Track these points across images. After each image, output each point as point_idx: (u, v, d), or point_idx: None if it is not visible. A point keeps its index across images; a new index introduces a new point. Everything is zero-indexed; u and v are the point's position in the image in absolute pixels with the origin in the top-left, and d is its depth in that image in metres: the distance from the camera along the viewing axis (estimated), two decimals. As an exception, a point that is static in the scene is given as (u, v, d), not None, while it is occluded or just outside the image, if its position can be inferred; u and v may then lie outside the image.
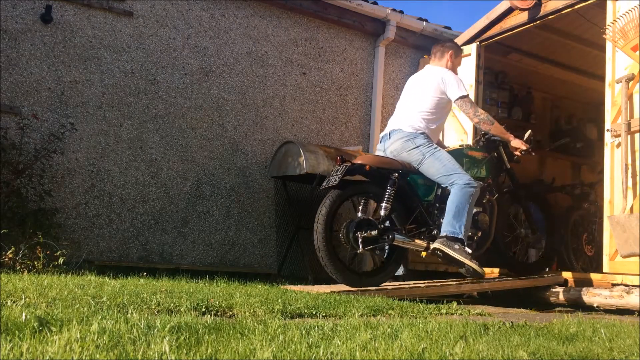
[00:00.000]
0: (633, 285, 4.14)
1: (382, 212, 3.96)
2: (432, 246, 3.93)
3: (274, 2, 5.84)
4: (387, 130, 4.33)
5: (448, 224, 3.98)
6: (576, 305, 4.42)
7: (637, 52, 4.30)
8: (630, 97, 4.34)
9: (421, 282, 5.00)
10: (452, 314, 3.25)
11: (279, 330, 1.99)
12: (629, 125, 4.28)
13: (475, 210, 4.22)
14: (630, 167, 4.25)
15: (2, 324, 1.64)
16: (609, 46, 4.63)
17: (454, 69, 4.47)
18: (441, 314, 3.19)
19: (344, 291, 3.80)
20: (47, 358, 1.40)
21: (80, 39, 5.00)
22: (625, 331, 2.58)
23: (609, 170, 4.44)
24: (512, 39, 6.19)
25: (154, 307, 2.40)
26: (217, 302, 2.61)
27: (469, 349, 1.87)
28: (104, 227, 5.05)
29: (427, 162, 4.10)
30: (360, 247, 3.85)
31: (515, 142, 4.37)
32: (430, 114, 4.23)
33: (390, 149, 4.23)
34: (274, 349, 1.66)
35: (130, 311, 2.23)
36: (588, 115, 8.24)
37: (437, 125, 4.33)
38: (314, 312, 2.71)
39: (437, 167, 4.08)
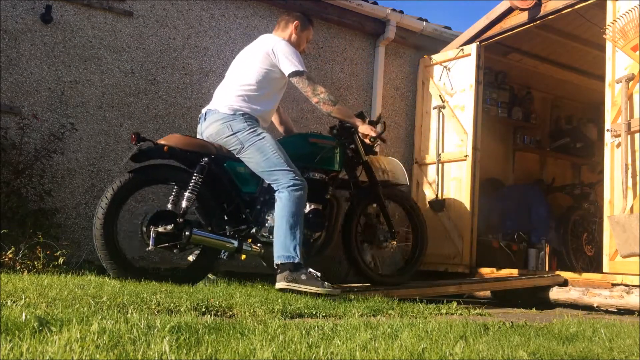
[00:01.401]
0: (633, 285, 4.14)
1: (184, 204, 3.45)
2: (277, 287, 3.34)
3: (274, 2, 5.84)
4: (204, 109, 3.74)
5: (282, 248, 3.35)
6: (576, 305, 4.42)
7: (637, 52, 4.30)
8: (630, 97, 4.34)
9: (421, 282, 5.00)
10: (452, 314, 3.25)
11: (279, 330, 1.99)
12: (629, 125, 4.28)
13: (313, 207, 3.74)
14: (630, 167, 4.25)
15: (2, 324, 1.64)
16: (609, 46, 4.63)
17: (298, 44, 3.86)
18: (441, 314, 3.19)
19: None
20: (47, 358, 1.40)
21: (80, 39, 5.00)
22: (625, 331, 2.58)
23: (609, 170, 4.44)
24: (512, 39, 6.19)
25: (154, 307, 2.40)
26: (217, 302, 2.61)
27: (469, 349, 1.87)
28: (104, 227, 5.03)
29: (247, 153, 3.53)
30: (151, 245, 3.33)
31: (364, 128, 3.81)
32: (254, 91, 3.61)
33: (205, 134, 3.67)
34: (274, 349, 1.66)
35: (130, 311, 2.23)
36: (588, 115, 8.25)
37: (265, 105, 3.68)
38: (314, 312, 2.71)
39: (257, 160, 3.51)
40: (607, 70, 4.64)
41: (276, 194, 3.47)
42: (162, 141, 3.51)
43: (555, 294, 4.63)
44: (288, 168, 3.48)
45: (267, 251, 3.61)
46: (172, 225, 3.39)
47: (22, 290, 2.46)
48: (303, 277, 3.29)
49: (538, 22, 5.62)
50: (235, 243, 3.55)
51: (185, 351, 1.57)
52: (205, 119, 3.66)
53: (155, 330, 1.79)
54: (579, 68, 7.31)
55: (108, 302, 2.36)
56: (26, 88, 4.78)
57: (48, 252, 3.87)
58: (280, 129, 4.29)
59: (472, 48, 5.99)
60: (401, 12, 6.40)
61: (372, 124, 3.95)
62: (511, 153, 7.84)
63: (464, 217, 5.76)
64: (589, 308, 4.35)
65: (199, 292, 3.01)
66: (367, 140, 3.91)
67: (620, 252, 4.07)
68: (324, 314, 2.71)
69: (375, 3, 6.31)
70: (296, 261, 3.33)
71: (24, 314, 1.80)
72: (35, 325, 1.67)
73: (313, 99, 3.64)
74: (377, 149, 4.22)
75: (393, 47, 6.52)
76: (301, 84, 3.60)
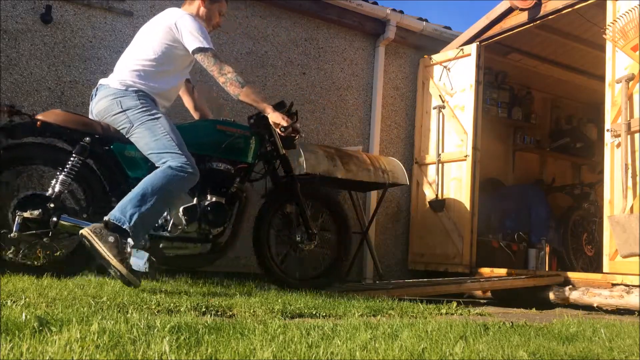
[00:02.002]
0: (633, 285, 4.14)
1: (57, 188, 3.15)
2: (80, 231, 2.94)
3: (274, 2, 5.84)
4: (97, 85, 3.41)
5: (119, 208, 2.99)
6: (576, 305, 4.42)
7: (637, 52, 4.30)
8: (630, 97, 4.35)
9: (421, 281, 5.00)
10: (452, 314, 3.25)
11: (279, 330, 1.99)
12: (629, 125, 4.28)
13: (215, 200, 3.48)
14: (630, 167, 4.25)
15: (2, 324, 1.64)
16: (609, 46, 4.64)
17: (208, 17, 3.58)
18: (441, 314, 3.19)
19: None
20: (47, 358, 1.40)
21: (80, 39, 5.00)
22: (625, 331, 2.58)
23: (609, 170, 4.45)
24: (512, 39, 6.19)
25: (154, 307, 2.40)
26: (217, 302, 2.61)
27: (469, 349, 1.87)
28: (104, 227, 5.03)
29: (136, 133, 3.20)
30: (14, 231, 3.00)
31: (274, 116, 3.49)
32: (152, 67, 3.31)
33: (95, 111, 3.34)
34: (274, 349, 1.66)
35: (130, 311, 2.23)
36: (588, 115, 8.25)
37: (165, 83, 3.39)
38: (314, 312, 2.71)
39: (147, 140, 3.18)
40: (607, 70, 4.64)
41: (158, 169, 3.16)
42: (39, 116, 3.17)
43: (555, 294, 4.64)
44: (179, 152, 3.16)
45: (152, 244, 3.32)
46: (40, 210, 3.05)
47: (22, 290, 2.46)
48: (111, 239, 2.88)
49: (538, 22, 5.62)
50: None
51: (185, 351, 1.57)
52: (95, 94, 3.33)
53: (155, 330, 1.79)
54: (579, 68, 7.31)
55: (108, 302, 2.36)
56: (26, 88, 4.78)
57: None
58: (196, 115, 3.99)
59: (472, 48, 5.99)
60: (401, 12, 6.40)
61: (285, 112, 3.63)
62: (511, 153, 7.84)
63: (464, 217, 5.76)
64: (589, 308, 4.35)
65: (198, 292, 3.01)
66: (278, 131, 3.58)
67: (620, 252, 4.07)
68: (324, 314, 2.71)
69: (375, 3, 6.31)
70: (123, 227, 2.95)
71: (24, 314, 1.80)
72: (35, 325, 1.67)
73: (219, 78, 3.37)
74: (297, 141, 3.87)
75: (393, 47, 6.52)
76: (206, 62, 3.32)
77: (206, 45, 3.30)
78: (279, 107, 3.66)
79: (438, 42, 6.57)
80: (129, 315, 2.10)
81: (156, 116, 3.23)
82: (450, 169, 6.01)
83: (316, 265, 4.34)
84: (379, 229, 6.23)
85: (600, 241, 4.84)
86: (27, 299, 2.27)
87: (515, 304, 4.52)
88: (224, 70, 3.36)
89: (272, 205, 4.01)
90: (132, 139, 3.24)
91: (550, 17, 5.45)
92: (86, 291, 2.64)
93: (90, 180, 3.30)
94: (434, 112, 6.25)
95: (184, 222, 3.37)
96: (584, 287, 4.46)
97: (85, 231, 2.91)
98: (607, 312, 4.23)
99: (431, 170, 6.21)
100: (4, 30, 4.72)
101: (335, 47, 6.26)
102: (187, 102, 4.01)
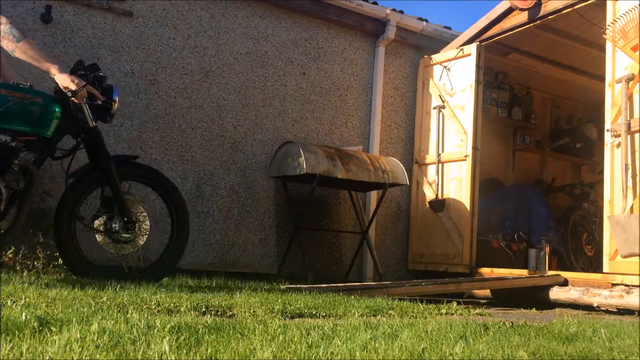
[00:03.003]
0: (633, 285, 4.14)
1: None
2: None
3: (274, 2, 5.84)
4: None
5: None
6: (576, 305, 4.42)
7: (637, 52, 4.30)
8: (630, 97, 4.35)
9: (421, 280, 5.00)
10: (452, 314, 3.25)
11: (279, 330, 1.99)
12: (629, 125, 4.28)
13: None
14: (630, 167, 4.25)
15: (2, 324, 1.64)
16: (609, 46, 4.64)
17: None
18: (441, 314, 3.19)
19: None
20: (47, 358, 1.40)
21: (80, 39, 5.00)
22: (625, 331, 2.58)
23: (609, 170, 4.45)
24: (512, 39, 6.19)
25: (154, 307, 2.40)
26: (217, 302, 2.61)
27: (469, 349, 1.87)
28: (104, 227, 5.03)
29: None
30: None
31: (61, 78, 3.07)
32: None
33: None
34: (274, 349, 1.66)
35: (130, 311, 2.23)
36: (588, 115, 8.25)
37: None
38: (314, 312, 2.71)
39: None
40: (607, 70, 4.64)
41: None
42: None
43: (555, 294, 4.64)
44: None
45: None
46: None
47: (22, 290, 2.46)
48: None
49: (538, 22, 5.62)
50: None
51: (185, 351, 1.57)
52: None
53: (155, 330, 1.79)
54: (579, 68, 7.31)
55: (108, 302, 2.36)
56: (26, 88, 4.77)
57: (48, 252, 3.87)
58: None
59: (472, 48, 5.99)
60: (401, 12, 6.40)
61: (77, 74, 3.20)
62: (511, 153, 7.84)
63: (464, 217, 5.77)
64: (589, 308, 4.35)
65: (198, 292, 3.01)
66: (74, 99, 3.14)
67: (620, 252, 4.07)
68: (324, 314, 2.71)
69: (375, 3, 6.31)
70: None
71: (24, 314, 1.80)
72: (35, 325, 1.67)
73: None
74: (114, 111, 3.39)
75: (393, 47, 6.52)
76: None
77: None
78: (76, 68, 3.25)
79: (438, 42, 6.57)
80: (129, 315, 2.10)
81: None
82: (450, 169, 6.01)
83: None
84: (379, 229, 6.23)
85: (600, 241, 4.84)
86: (27, 299, 2.27)
87: (515, 304, 4.52)
88: None
89: (79, 188, 3.50)
90: None
91: (550, 17, 5.45)
92: (86, 291, 2.64)
93: None
94: (434, 112, 6.25)
95: None
96: (584, 287, 4.46)
97: None
98: (607, 312, 4.23)
99: (431, 170, 6.21)
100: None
101: (335, 47, 6.26)
102: None
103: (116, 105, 3.36)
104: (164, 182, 3.83)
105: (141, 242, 3.65)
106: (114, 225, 3.50)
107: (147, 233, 3.67)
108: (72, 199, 3.47)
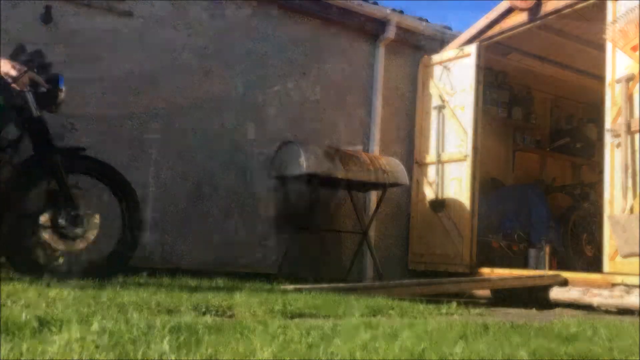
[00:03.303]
0: (633, 285, 4.14)
1: None
2: None
3: (274, 2, 5.84)
4: None
5: None
6: (576, 305, 4.42)
7: (637, 52, 4.30)
8: (630, 97, 4.35)
9: (421, 280, 5.00)
10: (452, 314, 3.25)
11: (279, 330, 1.99)
12: (629, 125, 4.28)
13: None
14: (630, 167, 4.25)
15: (2, 324, 1.64)
16: (609, 46, 4.63)
17: None
18: (441, 314, 3.19)
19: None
20: (47, 358, 1.40)
21: (80, 39, 4.99)
22: (625, 331, 2.58)
23: (609, 170, 4.44)
24: (512, 39, 6.19)
25: (154, 307, 2.40)
26: (217, 302, 2.61)
27: (469, 349, 1.87)
28: (104, 227, 5.02)
29: None
30: None
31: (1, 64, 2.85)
32: None
33: None
34: (274, 349, 1.66)
35: (130, 311, 2.23)
36: (588, 115, 8.25)
37: None
38: (314, 312, 2.71)
39: None
40: (607, 70, 4.64)
41: None
42: None
43: (555, 294, 4.63)
44: None
45: None
46: None
47: (22, 290, 2.46)
48: None
49: (538, 22, 5.62)
50: None
51: (185, 351, 1.57)
52: None
53: (155, 330, 1.79)
54: (579, 68, 7.30)
55: (108, 302, 2.36)
56: (26, 88, 4.77)
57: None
58: None
59: (472, 48, 5.99)
60: (401, 12, 6.40)
61: (19, 60, 3.00)
62: (511, 153, 7.84)
63: (464, 217, 5.77)
64: (589, 308, 4.35)
65: (199, 292, 3.01)
66: (13, 85, 2.96)
67: (620, 252, 4.07)
68: (324, 314, 2.71)
69: (375, 3, 6.32)
70: None
71: (24, 314, 1.80)
72: (35, 325, 1.67)
73: None
74: (61, 100, 3.20)
75: (393, 47, 6.52)
76: None
77: None
78: (16, 53, 3.08)
79: (438, 42, 6.56)
80: (129, 315, 2.10)
81: None
82: (450, 169, 6.01)
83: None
84: (379, 229, 6.23)
85: (600, 241, 4.83)
86: (27, 299, 2.27)
87: (515, 304, 4.52)
88: None
89: (22, 181, 3.34)
90: None
91: (550, 17, 5.45)
92: (86, 291, 2.64)
93: None
94: (434, 112, 6.25)
95: None
96: (584, 287, 4.46)
97: None
98: (607, 312, 4.23)
99: (431, 170, 6.21)
100: (4, 30, 4.72)
101: (336, 47, 6.26)
102: None
103: (62, 94, 3.19)
104: (114, 175, 3.68)
105: (92, 237, 3.46)
106: (60, 221, 3.33)
107: (98, 227, 3.48)
108: (15, 194, 3.30)
